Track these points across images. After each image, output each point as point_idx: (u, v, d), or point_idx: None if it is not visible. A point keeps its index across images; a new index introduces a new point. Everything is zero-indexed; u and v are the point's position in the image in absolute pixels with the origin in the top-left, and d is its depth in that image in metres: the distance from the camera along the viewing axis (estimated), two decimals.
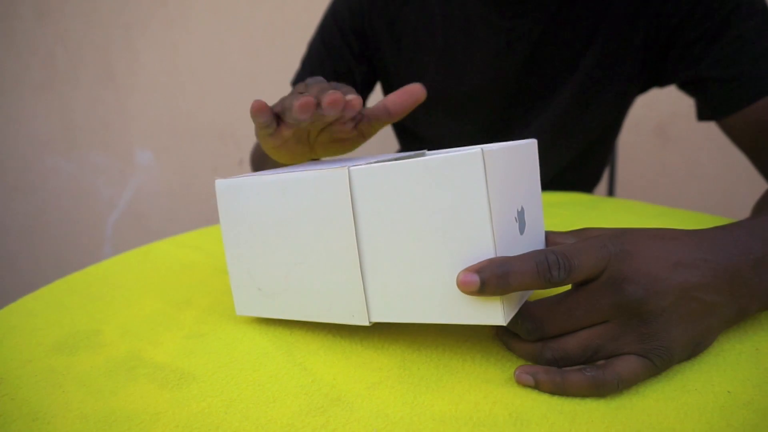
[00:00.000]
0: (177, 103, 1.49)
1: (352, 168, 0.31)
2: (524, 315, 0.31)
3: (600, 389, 0.29)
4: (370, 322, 0.33)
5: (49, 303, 0.45)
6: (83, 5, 1.43)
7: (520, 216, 0.31)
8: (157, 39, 1.44)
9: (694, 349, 0.31)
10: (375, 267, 0.32)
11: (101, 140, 1.54)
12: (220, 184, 0.37)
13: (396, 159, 0.34)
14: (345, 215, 0.32)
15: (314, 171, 0.33)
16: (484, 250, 0.28)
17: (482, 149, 0.27)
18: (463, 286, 0.28)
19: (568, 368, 0.30)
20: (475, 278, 0.27)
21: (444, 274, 0.29)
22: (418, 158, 0.29)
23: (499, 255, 0.28)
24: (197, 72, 1.46)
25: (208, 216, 1.55)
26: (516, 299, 0.30)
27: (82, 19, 1.44)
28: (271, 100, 1.41)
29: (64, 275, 0.51)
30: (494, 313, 0.28)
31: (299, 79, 0.77)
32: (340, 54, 0.74)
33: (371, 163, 0.31)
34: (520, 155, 0.32)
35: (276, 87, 1.39)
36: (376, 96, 1.30)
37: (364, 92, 0.79)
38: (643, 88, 0.69)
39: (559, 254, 0.28)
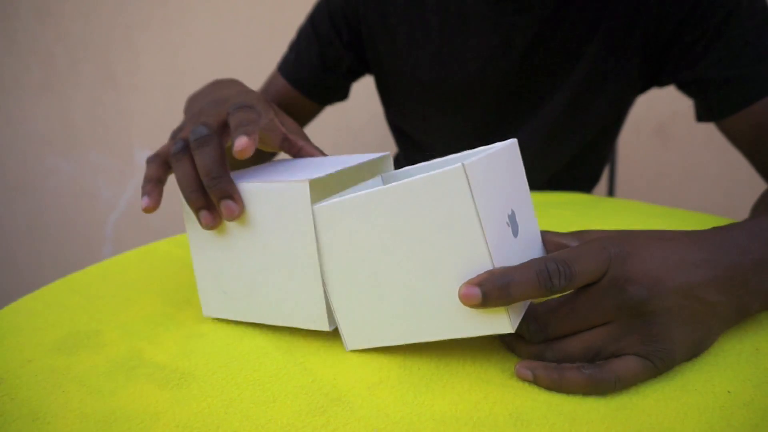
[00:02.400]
0: (177, 103, 1.49)
1: (336, 200, 0.31)
2: (528, 317, 0.31)
3: (596, 387, 0.29)
4: (330, 328, 0.35)
5: (49, 303, 0.45)
6: (83, 5, 1.43)
7: (512, 219, 0.31)
8: (157, 39, 1.44)
9: (695, 349, 0.31)
10: (379, 292, 0.32)
11: (101, 140, 1.54)
12: None
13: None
14: (306, 227, 0.33)
15: (277, 183, 0.34)
16: (481, 261, 0.28)
17: (463, 163, 0.27)
18: (465, 300, 0.28)
19: (566, 365, 0.30)
20: (477, 291, 0.27)
21: (446, 291, 0.29)
22: (400, 181, 0.29)
23: (495, 263, 0.28)
24: (197, 72, 1.46)
25: None
26: (521, 305, 0.30)
27: (82, 19, 1.44)
28: None
29: (64, 275, 0.51)
30: (501, 322, 0.28)
31: (286, 63, 0.77)
32: (329, 41, 0.74)
33: (356, 193, 0.31)
34: (503, 158, 0.32)
35: None
36: (367, 87, 1.30)
37: (349, 81, 0.79)
38: (643, 88, 0.69)
39: (559, 262, 0.28)
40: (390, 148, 1.39)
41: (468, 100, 0.70)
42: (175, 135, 0.42)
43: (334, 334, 0.37)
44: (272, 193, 0.34)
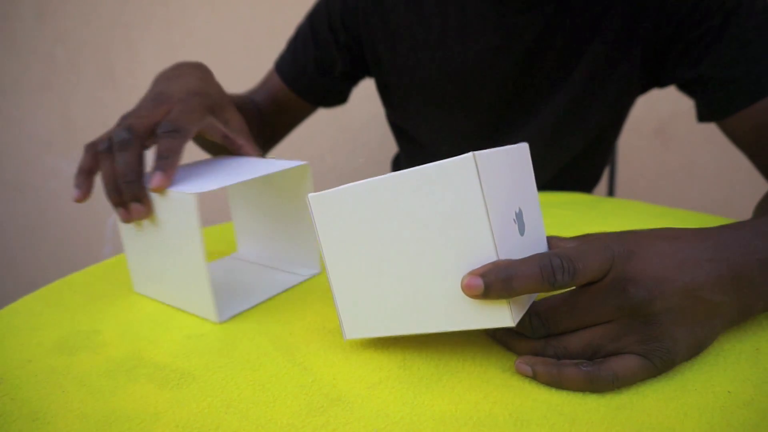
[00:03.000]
0: None
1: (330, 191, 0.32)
2: (530, 312, 0.31)
3: (594, 384, 0.29)
4: (219, 320, 0.40)
5: (49, 303, 0.45)
6: (83, 5, 1.43)
7: (519, 217, 0.31)
8: (157, 39, 1.44)
9: (696, 349, 0.31)
10: (381, 281, 0.32)
11: None
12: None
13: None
14: (194, 234, 0.37)
15: (173, 192, 0.39)
16: (486, 253, 0.28)
17: (473, 153, 0.27)
18: (468, 290, 0.28)
19: (565, 361, 0.30)
20: (479, 282, 0.27)
21: (448, 282, 0.29)
22: (412, 169, 0.29)
23: (501, 257, 0.28)
24: None
25: (208, 216, 1.55)
26: (524, 300, 0.30)
27: (82, 19, 1.44)
28: None
29: (64, 275, 0.51)
30: (502, 315, 0.28)
31: (283, 61, 0.77)
32: (325, 44, 0.74)
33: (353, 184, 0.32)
34: (512, 158, 0.32)
35: None
36: (367, 87, 1.30)
37: (344, 85, 0.78)
38: (644, 89, 0.68)
39: (563, 257, 0.28)
40: (390, 148, 1.39)
41: (469, 100, 0.70)
42: (122, 120, 0.44)
43: (334, 335, 0.37)
44: (170, 200, 0.39)
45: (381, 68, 0.74)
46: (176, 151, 0.41)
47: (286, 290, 0.45)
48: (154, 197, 0.40)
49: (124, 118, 0.44)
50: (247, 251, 0.54)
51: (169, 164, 0.40)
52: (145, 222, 0.41)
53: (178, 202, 0.38)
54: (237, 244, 0.55)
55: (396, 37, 0.70)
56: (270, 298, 0.44)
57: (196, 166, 0.46)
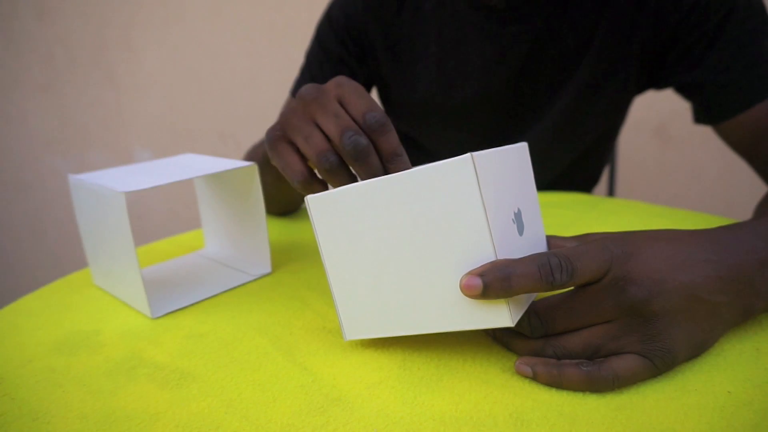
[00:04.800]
0: (177, 103, 1.49)
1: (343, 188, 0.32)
2: (529, 312, 0.31)
3: (595, 384, 0.29)
4: (153, 316, 0.41)
5: (49, 303, 0.45)
6: (83, 5, 1.43)
7: (518, 217, 0.31)
8: (156, 39, 1.44)
9: (696, 349, 0.31)
10: (380, 282, 0.32)
11: (101, 140, 1.54)
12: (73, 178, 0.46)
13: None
14: (124, 232, 0.39)
15: (102, 187, 0.40)
16: (485, 254, 0.28)
17: (471, 153, 0.27)
18: (467, 290, 0.28)
19: (566, 361, 0.30)
20: (478, 281, 0.27)
21: (447, 282, 0.29)
22: (411, 169, 0.29)
23: (499, 255, 0.28)
24: (197, 72, 1.46)
25: None
26: (523, 300, 0.30)
27: (81, 19, 1.44)
28: (272, 100, 1.40)
29: (64, 275, 0.51)
30: (501, 315, 0.28)
31: (298, 87, 0.77)
32: (340, 57, 0.73)
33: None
34: (511, 158, 0.32)
35: (276, 87, 1.39)
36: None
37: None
38: (641, 90, 0.69)
39: (561, 257, 0.28)
40: None
41: (469, 113, 0.71)
42: (299, 124, 0.35)
43: (334, 335, 0.37)
44: (103, 197, 0.40)
45: (383, 81, 0.75)
46: (400, 145, 0.33)
47: (229, 290, 0.46)
48: (91, 191, 0.42)
49: (294, 125, 0.35)
50: (210, 248, 0.55)
51: (406, 162, 0.33)
52: (93, 218, 0.43)
53: (110, 199, 0.39)
54: (204, 241, 0.56)
55: (397, 52, 0.71)
56: (219, 294, 0.45)
57: (147, 165, 0.47)
